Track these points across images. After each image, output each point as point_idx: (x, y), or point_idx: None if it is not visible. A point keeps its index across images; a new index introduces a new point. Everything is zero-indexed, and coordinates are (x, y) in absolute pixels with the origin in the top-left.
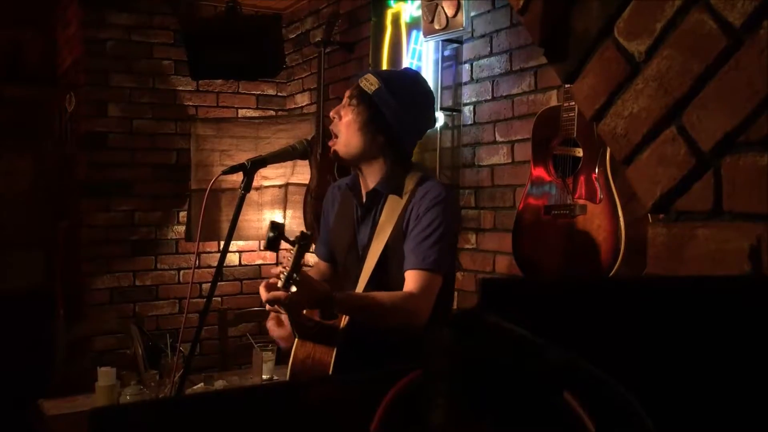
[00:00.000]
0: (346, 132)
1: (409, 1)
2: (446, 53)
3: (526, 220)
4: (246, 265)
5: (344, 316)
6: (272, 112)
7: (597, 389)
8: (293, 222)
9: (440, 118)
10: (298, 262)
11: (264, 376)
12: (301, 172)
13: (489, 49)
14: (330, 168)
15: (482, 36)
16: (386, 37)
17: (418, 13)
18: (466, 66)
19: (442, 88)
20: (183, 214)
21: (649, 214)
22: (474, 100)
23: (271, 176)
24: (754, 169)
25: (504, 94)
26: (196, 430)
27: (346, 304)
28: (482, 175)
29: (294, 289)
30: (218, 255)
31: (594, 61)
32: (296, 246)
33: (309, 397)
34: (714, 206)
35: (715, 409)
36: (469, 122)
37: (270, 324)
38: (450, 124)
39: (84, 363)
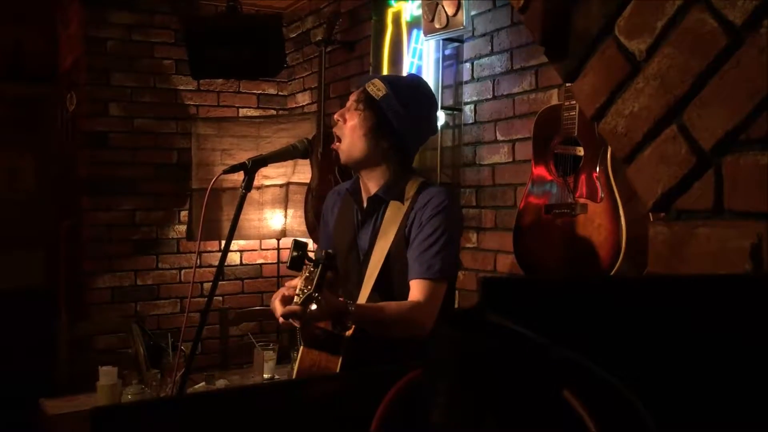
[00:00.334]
0: (351, 136)
1: (410, 0)
2: (447, 52)
3: (527, 219)
4: (247, 265)
5: (350, 327)
6: (273, 112)
7: (598, 388)
8: (294, 221)
9: (441, 117)
10: (321, 282)
11: (265, 375)
12: (302, 172)
13: (490, 48)
14: (331, 167)
15: (483, 35)
16: (387, 36)
17: (419, 12)
18: (467, 65)
19: (443, 87)
20: (184, 214)
21: (649, 213)
22: (475, 99)
23: (272, 175)
24: (755, 167)
25: (505, 93)
26: (197, 429)
27: (359, 316)
28: (483, 174)
29: (314, 307)
30: (219, 254)
31: (595, 59)
32: (320, 266)
33: (310, 397)
34: (715, 205)
35: (716, 408)
36: (470, 121)
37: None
38: (451, 123)
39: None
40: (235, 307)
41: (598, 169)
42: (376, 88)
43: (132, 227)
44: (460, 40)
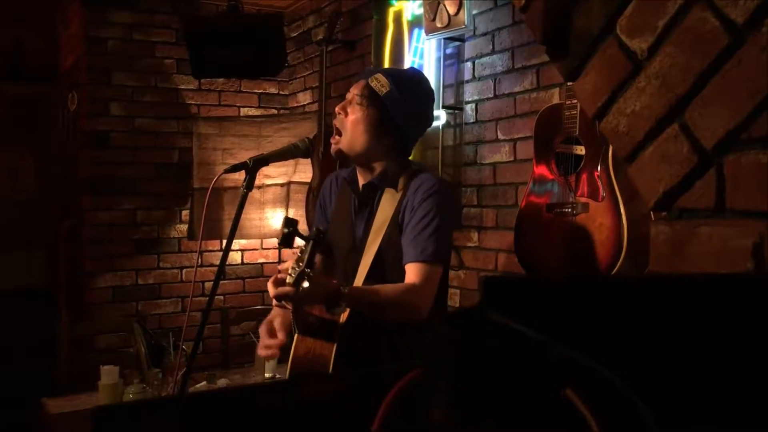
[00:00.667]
0: (352, 130)
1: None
2: (448, 51)
3: (528, 219)
4: (248, 264)
5: (345, 311)
6: (274, 111)
7: (600, 387)
8: None
9: (442, 116)
10: (311, 258)
11: (266, 375)
12: (304, 171)
13: (491, 47)
14: (332, 166)
15: (484, 34)
16: (388, 35)
17: (420, 11)
18: (468, 64)
19: (444, 86)
20: (185, 213)
21: (651, 212)
22: (476, 98)
23: (273, 175)
24: (757, 166)
25: (506, 92)
26: (198, 429)
27: (353, 298)
28: (484, 173)
29: (306, 284)
30: (220, 253)
31: (596, 58)
32: (310, 242)
33: (311, 396)
34: (716, 204)
35: (717, 407)
36: (471, 120)
37: (262, 330)
38: (452, 123)
39: (86, 361)
40: (236, 306)
41: (599, 168)
42: (380, 84)
43: (133, 227)
44: (461, 39)
